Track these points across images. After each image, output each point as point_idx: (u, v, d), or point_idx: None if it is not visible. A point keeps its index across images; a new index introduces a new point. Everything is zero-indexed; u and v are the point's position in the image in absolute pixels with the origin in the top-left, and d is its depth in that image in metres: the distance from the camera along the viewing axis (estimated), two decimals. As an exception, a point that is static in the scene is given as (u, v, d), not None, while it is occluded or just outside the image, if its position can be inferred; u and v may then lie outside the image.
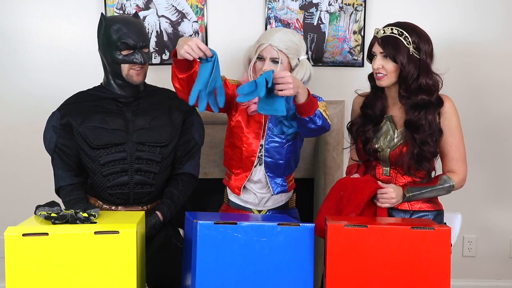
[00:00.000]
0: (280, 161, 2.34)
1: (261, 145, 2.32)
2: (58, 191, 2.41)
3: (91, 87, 2.48)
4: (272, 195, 2.38)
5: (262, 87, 1.97)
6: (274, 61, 2.24)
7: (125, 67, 2.35)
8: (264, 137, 2.32)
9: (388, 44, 2.16)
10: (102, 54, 2.40)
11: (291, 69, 2.29)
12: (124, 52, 2.33)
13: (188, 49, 1.99)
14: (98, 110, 2.37)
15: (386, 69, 2.18)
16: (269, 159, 2.33)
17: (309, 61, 2.39)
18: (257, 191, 2.37)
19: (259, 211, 2.39)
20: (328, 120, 2.21)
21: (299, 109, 2.08)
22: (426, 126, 2.18)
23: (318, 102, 2.14)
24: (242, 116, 2.33)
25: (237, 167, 2.38)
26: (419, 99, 2.18)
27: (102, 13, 2.40)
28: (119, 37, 2.31)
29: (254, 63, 2.29)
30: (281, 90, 1.98)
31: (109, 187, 2.35)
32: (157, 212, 2.37)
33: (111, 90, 2.42)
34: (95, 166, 2.34)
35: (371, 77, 2.30)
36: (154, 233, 2.33)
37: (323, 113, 2.16)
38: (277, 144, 2.32)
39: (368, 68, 2.43)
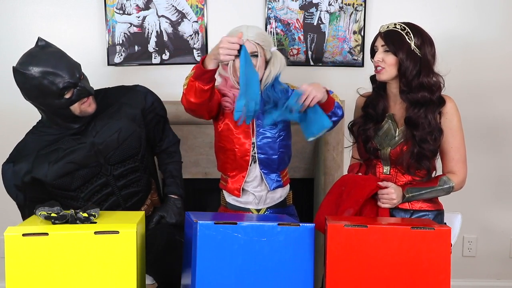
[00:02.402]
0: (274, 156, 2.34)
1: (253, 143, 2.33)
2: None
3: (32, 128, 2.34)
4: (269, 191, 2.38)
5: (244, 64, 2.02)
6: (253, 55, 2.24)
7: (75, 107, 2.19)
8: (255, 134, 2.33)
9: (390, 37, 2.19)
10: (39, 105, 2.19)
11: (267, 62, 2.31)
12: (67, 95, 2.14)
13: (223, 50, 1.99)
14: (59, 154, 2.22)
15: (385, 62, 2.20)
16: (263, 156, 2.34)
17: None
18: (254, 190, 2.37)
19: (258, 211, 2.39)
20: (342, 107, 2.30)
21: (321, 107, 2.16)
22: (425, 124, 2.18)
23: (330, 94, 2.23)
24: (229, 119, 2.32)
25: (232, 169, 2.38)
26: (420, 96, 2.18)
27: (13, 68, 2.13)
28: (56, 84, 2.09)
29: (233, 62, 2.24)
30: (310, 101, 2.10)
31: None
32: (171, 196, 2.40)
33: (61, 128, 2.26)
34: (80, 203, 2.29)
35: (374, 78, 2.31)
36: (182, 219, 2.32)
37: (339, 102, 2.27)
38: (269, 140, 2.33)
39: (368, 68, 2.43)
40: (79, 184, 2.26)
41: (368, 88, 2.36)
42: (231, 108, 2.30)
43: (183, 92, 2.15)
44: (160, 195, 2.54)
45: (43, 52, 2.15)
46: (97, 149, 2.27)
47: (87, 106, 2.22)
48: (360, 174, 2.33)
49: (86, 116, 2.26)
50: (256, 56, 2.24)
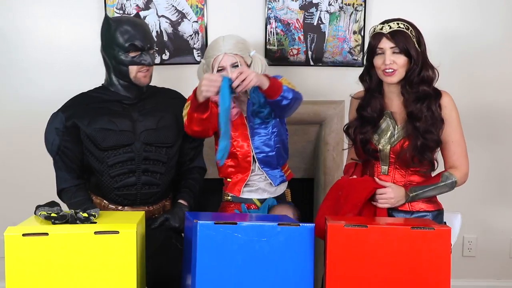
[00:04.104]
0: (271, 153, 2.40)
1: (251, 143, 2.39)
2: (60, 193, 2.41)
3: (92, 87, 2.47)
4: (274, 186, 2.43)
5: (226, 98, 2.07)
6: (234, 66, 2.32)
7: (133, 69, 2.34)
8: (250, 136, 2.38)
9: (399, 37, 2.16)
10: (107, 55, 2.38)
11: (248, 67, 2.38)
12: (132, 54, 2.32)
13: (204, 88, 2.08)
14: (104, 112, 2.36)
15: (397, 64, 2.17)
16: (261, 155, 2.39)
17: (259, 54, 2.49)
18: (258, 183, 2.42)
19: (261, 202, 2.42)
20: (297, 90, 2.29)
21: (268, 93, 2.18)
22: (428, 116, 2.18)
23: (279, 80, 2.24)
24: None
25: (236, 172, 2.43)
26: (421, 90, 2.18)
27: (106, 14, 2.37)
28: (127, 39, 2.31)
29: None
30: (247, 83, 2.10)
31: (117, 188, 2.35)
32: (180, 201, 2.43)
33: (115, 92, 2.41)
34: (103, 168, 2.35)
35: (363, 79, 2.29)
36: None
37: (289, 86, 2.25)
38: (264, 138, 2.38)
39: (368, 68, 2.42)
40: (109, 145, 2.33)
41: (360, 87, 2.34)
42: None
43: (185, 123, 2.27)
44: (173, 203, 2.53)
45: (133, 17, 2.53)
46: (137, 122, 2.37)
47: (142, 76, 2.37)
48: (354, 176, 2.31)
49: (137, 87, 2.39)
50: (237, 66, 2.31)
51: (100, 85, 2.47)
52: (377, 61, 2.21)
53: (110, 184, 2.36)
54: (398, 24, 2.18)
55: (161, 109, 2.42)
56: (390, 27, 2.18)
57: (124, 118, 2.36)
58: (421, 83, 2.18)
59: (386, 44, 2.18)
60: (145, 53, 2.34)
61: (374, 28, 2.23)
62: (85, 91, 2.46)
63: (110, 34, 2.33)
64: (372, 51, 2.22)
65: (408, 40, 2.16)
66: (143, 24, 2.44)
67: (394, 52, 2.17)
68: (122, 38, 2.31)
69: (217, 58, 2.33)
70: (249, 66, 2.38)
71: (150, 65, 2.36)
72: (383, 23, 2.21)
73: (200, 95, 2.12)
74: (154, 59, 2.39)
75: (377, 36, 2.20)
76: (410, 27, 2.18)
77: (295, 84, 2.36)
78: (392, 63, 2.17)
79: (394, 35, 2.17)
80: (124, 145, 2.34)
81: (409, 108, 2.21)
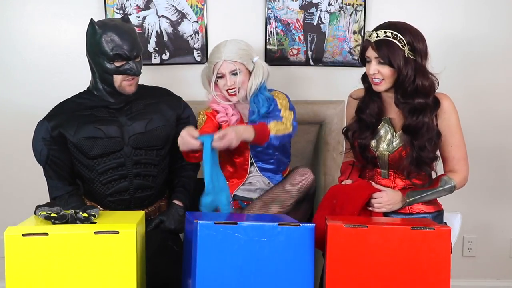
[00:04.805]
0: (271, 160, 2.41)
1: (250, 152, 2.40)
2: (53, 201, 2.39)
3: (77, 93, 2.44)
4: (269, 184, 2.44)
5: (208, 159, 2.06)
6: (234, 73, 2.33)
7: (117, 78, 2.29)
8: (250, 144, 2.37)
9: (383, 48, 2.09)
10: (92, 61, 2.32)
11: (250, 73, 2.37)
12: (117, 63, 2.26)
13: (179, 144, 2.10)
14: (91, 119, 2.32)
15: (382, 74, 2.12)
16: (260, 163, 2.41)
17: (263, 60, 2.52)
18: (257, 183, 2.44)
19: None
20: (287, 131, 2.26)
21: (254, 143, 2.19)
22: (424, 131, 2.13)
23: (267, 125, 2.20)
24: None
25: (232, 178, 2.45)
26: (416, 103, 2.12)
27: (92, 19, 2.30)
28: (112, 48, 2.23)
29: (216, 83, 2.36)
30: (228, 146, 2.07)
31: (109, 194, 2.34)
32: (175, 201, 2.41)
33: (100, 97, 2.36)
34: (93, 176, 2.33)
35: (365, 79, 2.25)
36: (181, 226, 2.35)
37: (277, 132, 2.21)
38: (261, 147, 2.34)
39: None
40: (98, 153, 2.30)
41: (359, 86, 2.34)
42: (227, 120, 2.38)
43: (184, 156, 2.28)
44: (169, 204, 2.53)
45: (121, 22, 2.32)
46: (125, 127, 2.33)
47: (127, 85, 2.31)
48: (349, 181, 2.28)
49: (122, 94, 2.33)
50: (236, 74, 2.32)
51: (86, 89, 2.42)
52: (367, 68, 2.18)
53: (102, 191, 2.34)
54: (385, 32, 2.09)
55: (149, 111, 2.38)
56: (377, 36, 2.10)
57: (111, 124, 2.32)
58: (416, 95, 2.12)
59: (371, 54, 2.13)
60: (131, 62, 2.27)
61: (368, 34, 2.17)
62: (69, 97, 2.42)
63: (95, 40, 2.25)
64: (363, 58, 2.19)
65: (392, 50, 2.07)
66: (130, 30, 2.31)
67: (379, 63, 2.12)
68: (107, 47, 2.23)
69: (217, 65, 2.33)
70: (251, 72, 2.37)
71: (135, 75, 2.29)
72: (373, 29, 2.14)
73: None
74: (140, 67, 2.32)
75: (365, 44, 2.16)
76: (399, 35, 2.07)
77: (294, 115, 2.35)
78: (377, 73, 2.13)
79: (379, 46, 2.09)
80: (112, 151, 2.31)
81: (405, 121, 2.17)
